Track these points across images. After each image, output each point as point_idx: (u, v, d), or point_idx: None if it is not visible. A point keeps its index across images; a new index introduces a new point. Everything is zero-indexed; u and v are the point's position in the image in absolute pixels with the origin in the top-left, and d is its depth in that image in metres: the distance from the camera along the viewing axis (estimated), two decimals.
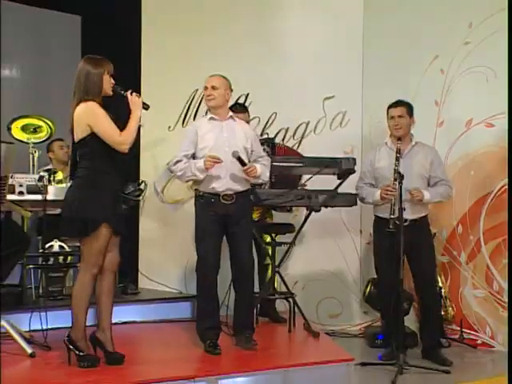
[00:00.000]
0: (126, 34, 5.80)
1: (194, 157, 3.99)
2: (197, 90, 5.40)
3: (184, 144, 4.01)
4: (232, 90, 4.07)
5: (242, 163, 3.91)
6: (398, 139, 4.37)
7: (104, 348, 3.55)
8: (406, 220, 4.21)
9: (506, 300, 4.65)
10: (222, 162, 3.87)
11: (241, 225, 3.96)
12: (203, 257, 3.93)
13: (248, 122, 4.80)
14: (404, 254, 4.14)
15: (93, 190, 3.46)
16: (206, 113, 4.29)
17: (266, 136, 5.22)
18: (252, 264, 4.04)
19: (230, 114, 4.08)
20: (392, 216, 4.19)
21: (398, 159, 4.30)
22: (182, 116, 5.50)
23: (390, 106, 4.46)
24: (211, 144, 3.95)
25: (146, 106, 3.59)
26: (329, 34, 5.35)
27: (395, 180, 4.22)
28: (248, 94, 5.36)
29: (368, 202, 4.51)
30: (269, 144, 4.76)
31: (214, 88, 3.99)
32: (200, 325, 3.99)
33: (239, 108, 4.74)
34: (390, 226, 4.17)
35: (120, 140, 3.45)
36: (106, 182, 3.50)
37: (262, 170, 4.04)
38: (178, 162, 3.97)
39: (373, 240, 4.56)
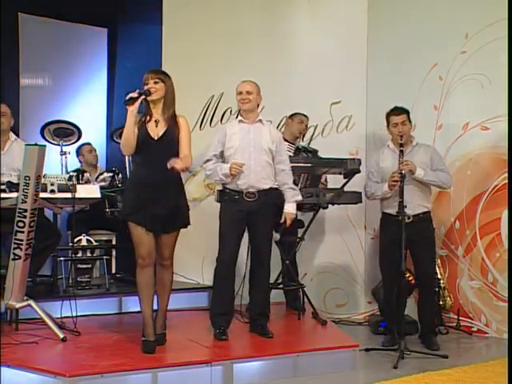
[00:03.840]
0: (147, 44, 5.85)
1: (222, 155, 4.04)
2: (213, 96, 5.42)
3: (213, 144, 4.08)
4: (261, 96, 4.10)
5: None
6: (401, 144, 4.33)
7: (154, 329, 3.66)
8: (409, 217, 4.21)
9: (500, 291, 4.65)
10: (244, 165, 3.90)
11: (262, 222, 3.97)
12: (222, 248, 3.96)
13: (306, 127, 4.93)
14: (407, 248, 4.15)
15: (126, 190, 3.71)
16: (237, 116, 4.30)
17: (307, 144, 5.17)
18: (269, 258, 4.06)
19: (259, 117, 4.10)
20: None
21: (402, 155, 4.28)
22: (200, 120, 5.52)
23: (392, 114, 4.40)
24: (237, 144, 3.98)
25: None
26: (336, 44, 5.35)
27: (399, 168, 4.19)
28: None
29: (377, 195, 4.44)
30: (312, 154, 4.80)
31: (248, 93, 4.02)
32: (213, 311, 4.02)
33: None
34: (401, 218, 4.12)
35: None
36: (131, 183, 3.62)
37: (294, 200, 4.08)
38: (207, 160, 4.05)
39: (379, 235, 4.53)
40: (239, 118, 4.12)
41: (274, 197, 4.04)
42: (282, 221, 4.04)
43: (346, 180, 4.62)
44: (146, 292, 3.62)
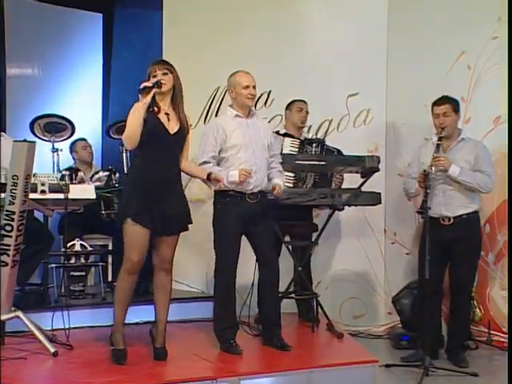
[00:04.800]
0: (148, 32, 5.85)
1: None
2: (218, 87, 5.41)
3: (209, 143, 3.96)
4: None
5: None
6: (440, 137, 4.30)
7: (153, 343, 3.71)
8: (449, 218, 4.18)
9: None
10: (253, 170, 3.89)
11: (263, 224, 3.99)
12: (223, 256, 3.94)
13: (307, 113, 4.88)
14: (446, 252, 4.16)
15: (127, 187, 3.71)
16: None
17: (314, 136, 5.18)
18: (277, 262, 4.07)
19: (253, 111, 4.11)
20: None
21: (437, 150, 4.23)
22: (204, 114, 5.51)
23: (434, 104, 4.36)
24: (240, 142, 3.95)
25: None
26: (353, 31, 5.33)
27: (431, 166, 4.16)
28: (270, 92, 5.37)
29: (411, 193, 4.45)
30: (318, 144, 4.75)
31: (254, 88, 4.00)
32: (218, 325, 3.99)
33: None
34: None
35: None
36: (136, 179, 3.63)
37: (282, 179, 4.10)
38: (204, 163, 3.94)
39: (420, 239, 4.47)
40: (233, 111, 4.04)
41: (278, 198, 4.11)
42: (273, 191, 3.98)
43: (364, 179, 4.60)
44: (124, 295, 3.62)
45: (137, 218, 3.55)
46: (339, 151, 4.80)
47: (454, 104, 4.35)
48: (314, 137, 5.08)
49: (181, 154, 3.71)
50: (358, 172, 4.63)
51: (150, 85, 3.55)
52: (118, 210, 3.83)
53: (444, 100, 4.34)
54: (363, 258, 5.27)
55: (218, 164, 3.97)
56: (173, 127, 3.64)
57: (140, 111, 3.53)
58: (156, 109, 3.62)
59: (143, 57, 5.76)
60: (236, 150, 3.95)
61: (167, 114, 3.65)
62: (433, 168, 4.18)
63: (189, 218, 3.73)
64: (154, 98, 3.59)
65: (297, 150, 4.73)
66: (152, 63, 3.68)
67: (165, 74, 3.62)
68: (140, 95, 3.53)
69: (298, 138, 4.81)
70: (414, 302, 4.71)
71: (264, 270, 4.01)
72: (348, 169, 4.64)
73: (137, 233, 3.55)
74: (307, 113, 4.92)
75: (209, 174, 3.76)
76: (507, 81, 4.38)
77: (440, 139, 4.26)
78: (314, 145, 4.74)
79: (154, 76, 3.61)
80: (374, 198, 4.63)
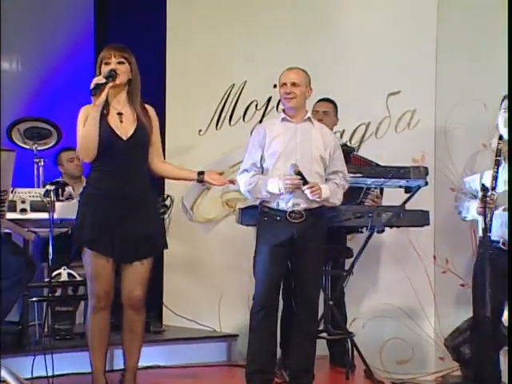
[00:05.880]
0: (146, 16, 5.89)
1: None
2: (233, 85, 5.44)
3: (251, 148, 4.07)
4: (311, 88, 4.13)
5: (303, 180, 3.93)
6: (499, 138, 4.25)
7: None
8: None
9: None
10: (302, 178, 3.89)
11: (309, 250, 4.01)
12: (264, 285, 3.99)
13: (325, 113, 4.85)
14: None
15: (80, 207, 3.67)
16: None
17: (347, 142, 5.18)
18: (317, 300, 4.11)
19: (308, 115, 4.13)
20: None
21: (497, 163, 4.21)
22: (216, 117, 5.54)
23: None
24: (281, 149, 3.98)
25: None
26: (395, 20, 5.33)
27: (492, 189, 4.11)
28: None
29: (466, 218, 4.40)
30: (344, 152, 4.76)
31: (294, 85, 4.02)
32: (249, 367, 4.06)
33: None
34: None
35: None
36: (90, 197, 3.64)
37: (332, 191, 4.06)
38: (244, 171, 4.05)
39: (474, 268, 4.43)
40: (282, 114, 4.12)
41: (326, 218, 4.11)
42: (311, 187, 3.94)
43: (409, 195, 4.59)
44: (98, 340, 3.66)
45: (92, 244, 3.57)
46: (369, 161, 4.79)
47: None
48: (343, 143, 5.06)
49: (145, 158, 3.67)
50: (401, 186, 4.63)
51: (103, 81, 3.51)
52: (72, 235, 3.85)
53: None
54: (408, 290, 5.24)
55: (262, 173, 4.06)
56: (127, 130, 3.61)
57: (94, 115, 3.52)
58: (106, 109, 3.59)
59: (143, 46, 5.79)
60: (274, 159, 4.00)
61: (120, 113, 3.62)
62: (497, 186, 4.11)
63: (160, 239, 3.72)
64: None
65: None
66: (105, 47, 3.67)
67: (121, 63, 3.61)
68: (92, 96, 3.51)
69: None
70: None
71: (301, 312, 4.05)
72: (389, 182, 4.62)
73: (96, 262, 3.58)
74: (325, 113, 4.86)
75: (200, 173, 3.74)
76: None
77: (498, 153, 4.17)
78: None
79: (107, 64, 3.59)
80: (421, 218, 4.60)
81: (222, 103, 5.50)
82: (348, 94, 5.23)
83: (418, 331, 5.27)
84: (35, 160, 5.35)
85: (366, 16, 5.39)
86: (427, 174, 4.54)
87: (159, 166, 3.74)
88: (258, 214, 4.10)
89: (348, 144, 5.16)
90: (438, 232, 5.14)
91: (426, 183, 4.55)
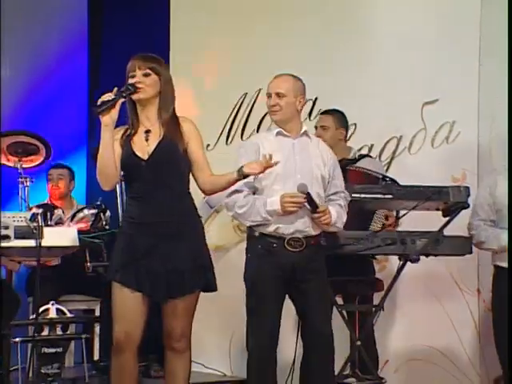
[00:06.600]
0: (147, 16, 5.93)
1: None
2: (245, 94, 5.45)
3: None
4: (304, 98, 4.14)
5: (312, 204, 3.91)
6: None
7: None
8: None
9: None
10: (306, 197, 3.88)
11: (313, 281, 4.01)
12: (258, 328, 3.98)
13: (324, 128, 4.89)
14: None
15: (118, 237, 3.73)
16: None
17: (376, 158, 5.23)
18: (330, 334, 4.07)
19: (304, 128, 4.14)
20: None
21: None
22: (226, 131, 5.56)
23: None
24: (278, 169, 3.93)
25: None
26: (431, 11, 5.33)
27: None
28: (316, 100, 5.42)
29: (490, 247, 4.45)
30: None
31: (279, 96, 4.02)
32: None
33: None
34: None
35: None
36: (124, 224, 3.70)
37: (338, 215, 4.07)
38: (235, 192, 3.99)
39: (492, 301, 4.50)
40: (276, 128, 4.11)
41: (328, 245, 4.13)
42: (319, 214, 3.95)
43: (448, 219, 4.57)
44: None
45: (115, 274, 3.59)
46: (394, 181, 4.80)
47: None
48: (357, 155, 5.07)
49: (181, 177, 3.66)
50: (438, 209, 4.61)
51: (112, 97, 3.50)
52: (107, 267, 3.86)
53: None
54: (448, 328, 5.19)
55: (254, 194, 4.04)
56: (149, 148, 3.61)
57: (105, 138, 3.52)
58: (133, 127, 3.62)
59: (144, 50, 5.83)
60: (271, 180, 3.99)
61: (147, 131, 3.64)
62: None
63: (206, 274, 3.71)
64: (134, 109, 3.61)
65: None
66: (131, 58, 3.68)
67: (147, 74, 3.61)
68: (99, 115, 3.50)
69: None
70: None
71: (312, 345, 4.02)
72: (425, 205, 4.61)
73: (118, 294, 3.58)
74: (323, 128, 4.89)
75: (239, 170, 3.67)
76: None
77: None
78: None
79: (133, 76, 3.61)
80: (463, 246, 4.58)
81: (233, 114, 5.51)
82: (376, 103, 5.25)
83: (459, 377, 5.20)
84: (20, 179, 5.35)
85: (397, 13, 5.42)
86: (469, 195, 4.53)
87: (207, 181, 3.72)
88: (248, 241, 4.07)
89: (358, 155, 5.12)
90: (483, 262, 5.08)
91: (468, 205, 4.54)
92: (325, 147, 4.24)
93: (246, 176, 3.67)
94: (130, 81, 3.59)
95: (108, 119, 3.50)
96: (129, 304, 3.58)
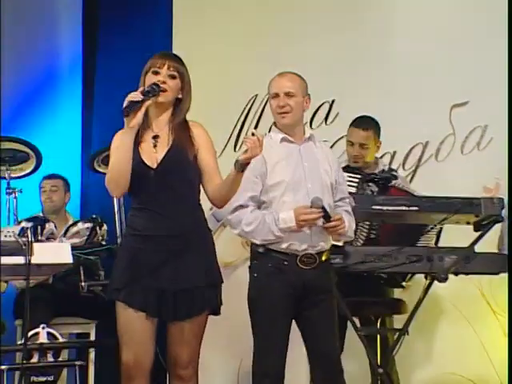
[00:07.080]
0: (148, 16, 5.94)
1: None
2: (255, 96, 5.45)
3: (246, 179, 3.82)
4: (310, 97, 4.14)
5: (326, 216, 3.89)
6: None
7: None
8: None
9: None
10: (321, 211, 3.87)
11: (322, 302, 4.00)
12: (264, 352, 3.96)
13: (363, 147, 4.86)
14: None
15: (119, 252, 3.77)
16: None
17: (399, 167, 5.26)
18: (339, 359, 4.06)
19: (309, 132, 4.15)
20: None
21: None
22: (234, 136, 5.55)
23: None
24: (287, 178, 3.96)
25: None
26: (459, 9, 5.38)
27: None
28: (333, 102, 5.43)
29: None
30: (380, 183, 4.76)
31: (289, 95, 4.01)
32: None
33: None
34: None
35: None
36: (127, 239, 3.71)
37: (349, 223, 4.08)
38: (240, 207, 3.97)
39: None
40: (279, 133, 4.09)
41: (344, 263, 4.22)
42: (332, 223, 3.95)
43: (480, 234, 4.57)
44: None
45: (118, 293, 3.57)
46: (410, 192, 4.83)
47: None
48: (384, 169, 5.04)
49: (192, 186, 3.65)
50: (469, 223, 4.59)
51: (140, 98, 3.49)
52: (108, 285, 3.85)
53: None
54: (480, 354, 5.22)
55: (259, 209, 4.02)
56: (158, 156, 3.61)
57: (126, 141, 3.51)
58: (141, 133, 3.60)
59: (144, 53, 5.81)
60: (281, 191, 3.97)
61: (156, 136, 3.63)
62: None
63: (215, 292, 3.70)
64: (145, 112, 3.56)
65: (355, 190, 4.74)
66: (157, 54, 3.68)
67: (172, 76, 3.61)
68: (125, 117, 3.49)
69: (361, 173, 4.83)
70: None
71: (321, 376, 4.03)
72: (453, 218, 4.59)
73: (130, 319, 3.55)
74: (363, 146, 4.85)
75: (236, 162, 3.58)
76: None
77: None
78: (371, 184, 4.77)
79: (155, 73, 3.59)
80: (496, 263, 4.57)
81: (242, 118, 5.50)
82: (400, 106, 5.25)
83: None
84: (8, 190, 5.34)
85: (421, 11, 5.45)
86: (503, 207, 4.54)
87: (216, 189, 3.67)
88: (254, 259, 4.05)
89: (387, 169, 5.08)
90: None
91: (502, 218, 4.53)
92: (328, 150, 4.26)
93: (245, 165, 3.56)
94: (153, 78, 3.57)
95: (134, 121, 3.49)
96: (136, 325, 3.56)
